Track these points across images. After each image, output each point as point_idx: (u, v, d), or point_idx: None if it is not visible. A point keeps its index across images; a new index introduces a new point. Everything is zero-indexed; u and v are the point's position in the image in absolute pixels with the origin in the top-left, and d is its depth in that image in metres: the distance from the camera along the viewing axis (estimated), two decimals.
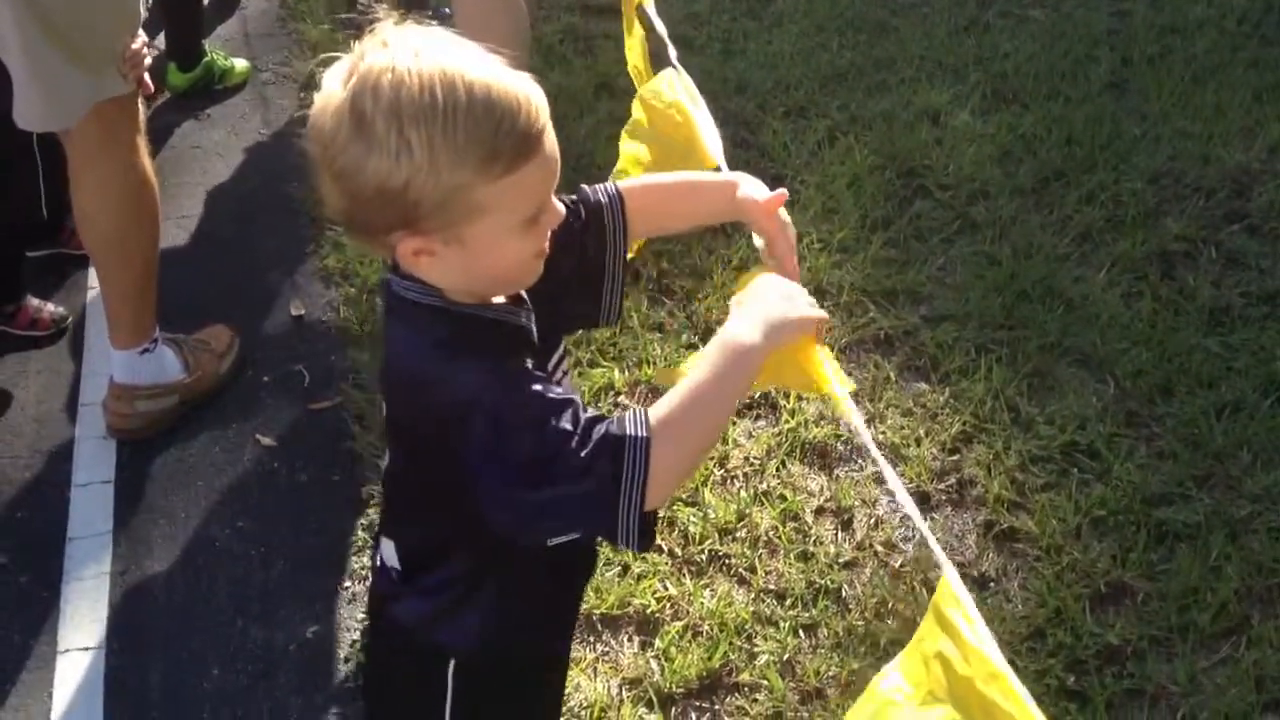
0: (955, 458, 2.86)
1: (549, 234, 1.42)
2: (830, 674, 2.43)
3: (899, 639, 2.48)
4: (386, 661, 1.73)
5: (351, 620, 2.64)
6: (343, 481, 2.95)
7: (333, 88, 1.30)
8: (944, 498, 2.78)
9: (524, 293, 1.48)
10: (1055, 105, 3.96)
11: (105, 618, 2.68)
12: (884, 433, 2.92)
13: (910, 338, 3.19)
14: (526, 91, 1.32)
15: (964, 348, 3.13)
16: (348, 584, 2.71)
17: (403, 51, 1.29)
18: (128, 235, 2.90)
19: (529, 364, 1.43)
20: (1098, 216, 3.51)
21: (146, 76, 2.78)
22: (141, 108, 2.87)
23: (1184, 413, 2.90)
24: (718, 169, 1.91)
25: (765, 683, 2.42)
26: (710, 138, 2.00)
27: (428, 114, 1.26)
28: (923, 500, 2.78)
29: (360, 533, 2.81)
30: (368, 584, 2.70)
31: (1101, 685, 2.36)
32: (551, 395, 1.36)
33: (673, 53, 2.14)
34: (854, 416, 1.47)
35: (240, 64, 4.44)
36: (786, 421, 2.96)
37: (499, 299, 1.45)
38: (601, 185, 1.63)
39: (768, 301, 1.46)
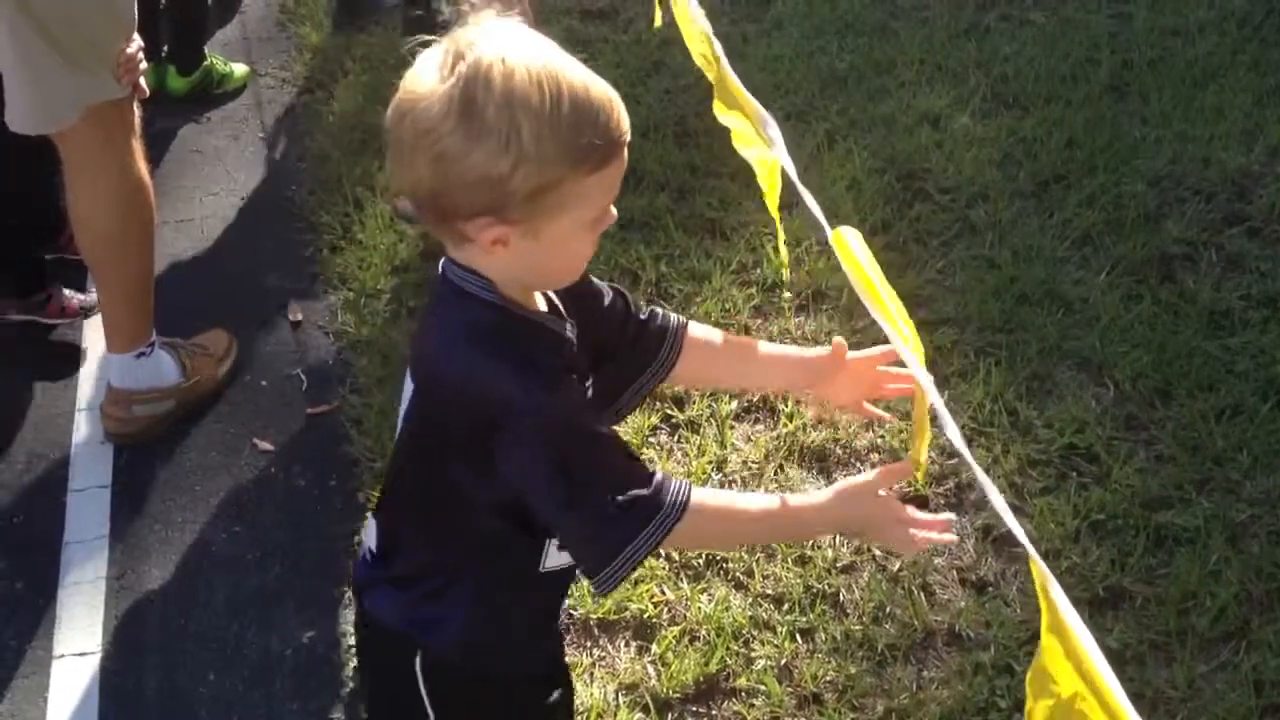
0: (954, 461, 2.85)
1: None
2: (828, 679, 2.43)
3: (896, 643, 2.48)
4: (365, 652, 1.77)
5: (348, 625, 2.63)
6: (340, 486, 2.95)
7: (429, 75, 1.34)
8: (943, 501, 2.77)
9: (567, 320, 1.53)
10: (1055, 108, 3.96)
11: (101, 623, 2.68)
12: (883, 436, 2.92)
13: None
14: (613, 94, 1.39)
15: (963, 351, 3.12)
16: (344, 589, 2.71)
17: (509, 44, 1.34)
18: (123, 239, 2.90)
19: (579, 383, 1.48)
20: (1098, 219, 3.50)
21: (142, 80, 2.78)
22: (138, 111, 2.87)
23: (1183, 416, 2.89)
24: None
25: (763, 688, 2.42)
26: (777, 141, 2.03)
27: (537, 106, 1.31)
28: (921, 504, 2.77)
29: (357, 537, 2.80)
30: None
31: None
32: (603, 429, 1.44)
33: (718, 47, 2.14)
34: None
35: (240, 68, 4.44)
36: (785, 425, 2.96)
37: (541, 306, 1.50)
38: (675, 317, 1.69)
39: (871, 512, 1.56)
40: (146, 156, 2.92)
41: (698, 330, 1.70)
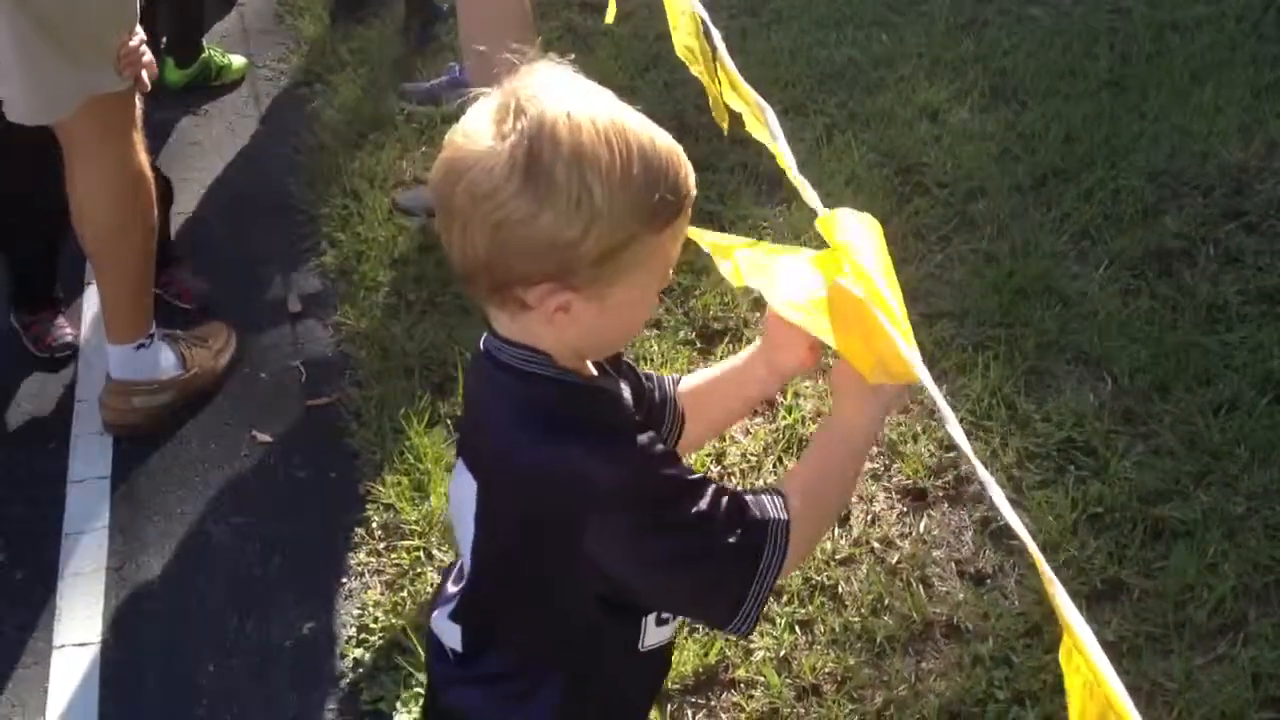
0: (952, 454, 2.85)
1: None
2: (826, 670, 2.43)
3: (895, 635, 2.48)
4: None
5: (348, 616, 2.64)
6: (340, 478, 2.95)
7: (484, 131, 1.25)
8: (940, 494, 2.78)
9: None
10: (1054, 103, 3.96)
11: (101, 613, 2.68)
12: (882, 429, 2.92)
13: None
14: (676, 146, 1.31)
15: (961, 345, 3.13)
16: (344, 580, 2.72)
17: (570, 96, 1.25)
18: (123, 231, 2.90)
19: (653, 433, 1.37)
20: (1096, 214, 3.51)
21: (145, 75, 2.78)
22: (139, 104, 2.87)
23: (1181, 410, 2.89)
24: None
25: (761, 679, 2.42)
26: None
27: (607, 164, 1.23)
28: (919, 496, 2.78)
29: (357, 529, 2.81)
30: (365, 580, 2.70)
31: None
32: (690, 477, 1.35)
33: (717, 36, 2.14)
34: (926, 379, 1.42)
35: (238, 60, 4.44)
36: (784, 418, 2.96)
37: (592, 370, 1.41)
38: (668, 380, 1.60)
39: (860, 394, 1.44)
40: (147, 149, 2.92)
41: (682, 386, 1.61)
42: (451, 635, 1.50)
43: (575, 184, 1.22)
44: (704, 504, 1.33)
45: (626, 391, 1.45)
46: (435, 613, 1.54)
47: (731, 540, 1.33)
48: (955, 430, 1.39)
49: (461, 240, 1.27)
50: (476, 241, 1.26)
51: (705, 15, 2.19)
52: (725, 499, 1.35)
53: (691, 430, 1.62)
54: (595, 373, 1.41)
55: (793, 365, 1.55)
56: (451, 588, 1.53)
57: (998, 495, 1.31)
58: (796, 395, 3.01)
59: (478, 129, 1.26)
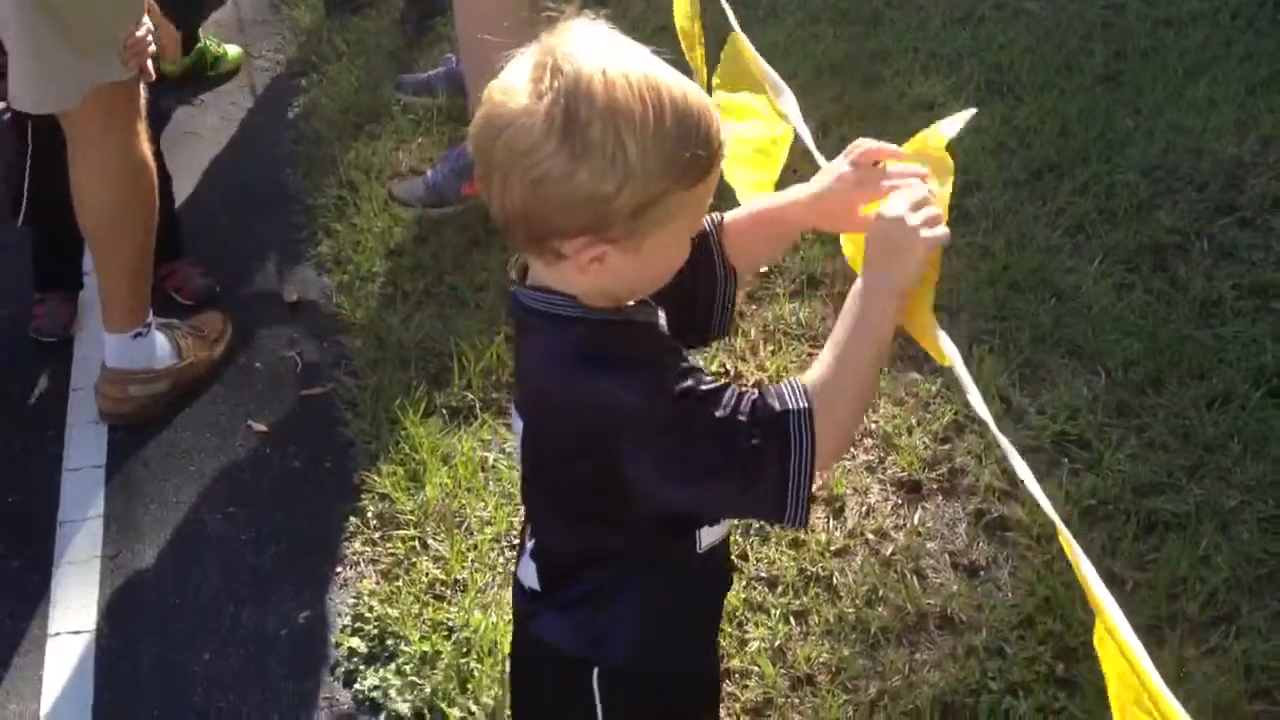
0: (947, 447, 2.87)
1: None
2: (821, 661, 2.44)
3: (889, 626, 2.49)
4: (532, 679, 1.71)
5: (342, 606, 2.64)
6: (335, 468, 2.96)
7: (521, 88, 1.29)
8: (935, 486, 2.79)
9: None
10: (1049, 98, 3.97)
11: (96, 602, 2.69)
12: (876, 421, 2.93)
13: (903, 328, 3.18)
14: (707, 99, 1.34)
15: (956, 339, 3.08)
16: (339, 569, 2.72)
17: (606, 53, 1.29)
18: (125, 219, 2.91)
19: (679, 355, 1.42)
20: (1090, 208, 3.52)
21: (150, 64, 2.79)
22: (143, 93, 2.87)
23: (1175, 404, 2.90)
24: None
25: (756, 669, 2.43)
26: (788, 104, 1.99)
27: (641, 119, 1.26)
28: (913, 488, 2.79)
29: (352, 519, 2.81)
30: (360, 570, 2.70)
31: (1091, 673, 2.36)
32: (705, 386, 1.37)
33: (732, 19, 2.13)
34: (965, 378, 1.47)
35: (233, 50, 4.44)
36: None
37: (630, 301, 1.44)
38: (708, 221, 1.59)
39: (887, 250, 1.43)
40: (151, 138, 2.93)
41: (728, 221, 1.62)
42: (529, 574, 1.59)
43: (610, 141, 1.26)
44: (726, 410, 1.35)
45: (662, 317, 1.47)
46: (519, 560, 1.64)
47: (756, 441, 1.35)
48: (977, 400, 1.40)
49: (501, 193, 1.32)
50: (514, 196, 1.30)
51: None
52: (745, 400, 1.37)
53: (739, 265, 1.63)
54: (630, 303, 1.44)
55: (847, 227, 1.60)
56: (523, 545, 1.63)
57: (1016, 460, 1.33)
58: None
59: (515, 85, 1.30)
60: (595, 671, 1.57)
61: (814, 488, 1.39)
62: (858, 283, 1.45)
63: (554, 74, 1.27)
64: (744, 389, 1.39)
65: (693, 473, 1.37)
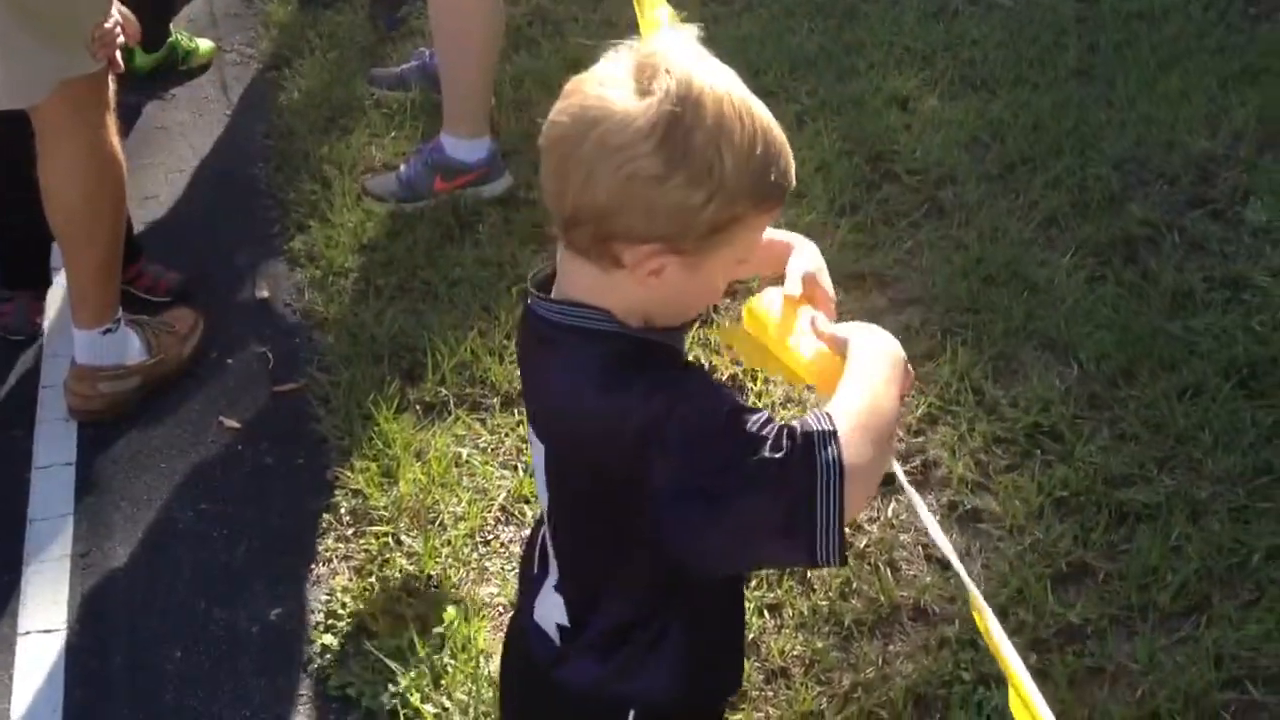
0: (920, 439, 2.87)
1: None
2: (795, 653, 2.44)
3: (862, 619, 2.50)
4: None
5: (315, 602, 2.63)
6: (307, 464, 2.94)
7: (623, 85, 1.26)
8: (909, 479, 2.78)
9: None
10: (1022, 91, 3.98)
11: (67, 600, 2.67)
12: None
13: (877, 321, 3.09)
14: (784, 135, 1.34)
15: (930, 331, 3.14)
16: (312, 566, 2.70)
17: (708, 68, 1.28)
18: (94, 214, 2.89)
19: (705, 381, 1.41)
20: (1063, 202, 3.53)
21: (118, 55, 2.77)
22: (112, 86, 2.85)
23: (1146, 395, 2.92)
24: None
25: None
26: None
27: (738, 139, 1.26)
28: (887, 481, 2.77)
29: (325, 515, 2.80)
30: (333, 566, 2.69)
31: (1063, 663, 2.37)
32: (734, 403, 1.31)
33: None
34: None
35: (205, 44, 4.41)
36: (754, 404, 2.97)
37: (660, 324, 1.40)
38: None
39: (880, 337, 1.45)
40: (120, 131, 2.91)
41: None
42: (553, 611, 1.51)
43: (711, 152, 1.25)
44: (751, 430, 1.27)
45: (684, 344, 1.47)
46: (526, 610, 1.58)
47: (780, 459, 1.25)
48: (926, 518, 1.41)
49: (581, 187, 1.27)
50: (599, 191, 1.27)
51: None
52: (772, 426, 1.28)
53: None
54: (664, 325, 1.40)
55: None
56: (538, 580, 1.55)
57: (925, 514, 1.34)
58: (767, 382, 3.02)
59: (616, 80, 1.27)
60: (631, 714, 1.51)
61: (846, 527, 1.28)
62: (857, 341, 1.44)
63: (656, 76, 1.25)
64: (770, 417, 1.31)
65: (716, 490, 1.28)
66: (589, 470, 1.37)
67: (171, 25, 4.32)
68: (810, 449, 1.26)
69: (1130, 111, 3.87)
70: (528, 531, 2.52)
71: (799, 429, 1.28)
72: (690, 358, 2.96)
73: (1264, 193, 3.51)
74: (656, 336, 1.38)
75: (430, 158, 3.57)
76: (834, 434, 1.27)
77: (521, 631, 1.60)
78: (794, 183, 1.35)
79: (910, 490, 1.46)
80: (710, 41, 3.58)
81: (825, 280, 1.57)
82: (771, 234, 1.55)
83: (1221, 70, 4.03)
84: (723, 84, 1.27)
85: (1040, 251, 3.37)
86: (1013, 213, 3.50)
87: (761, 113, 1.30)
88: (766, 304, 1.56)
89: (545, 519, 1.53)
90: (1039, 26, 4.31)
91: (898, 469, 1.46)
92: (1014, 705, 1.29)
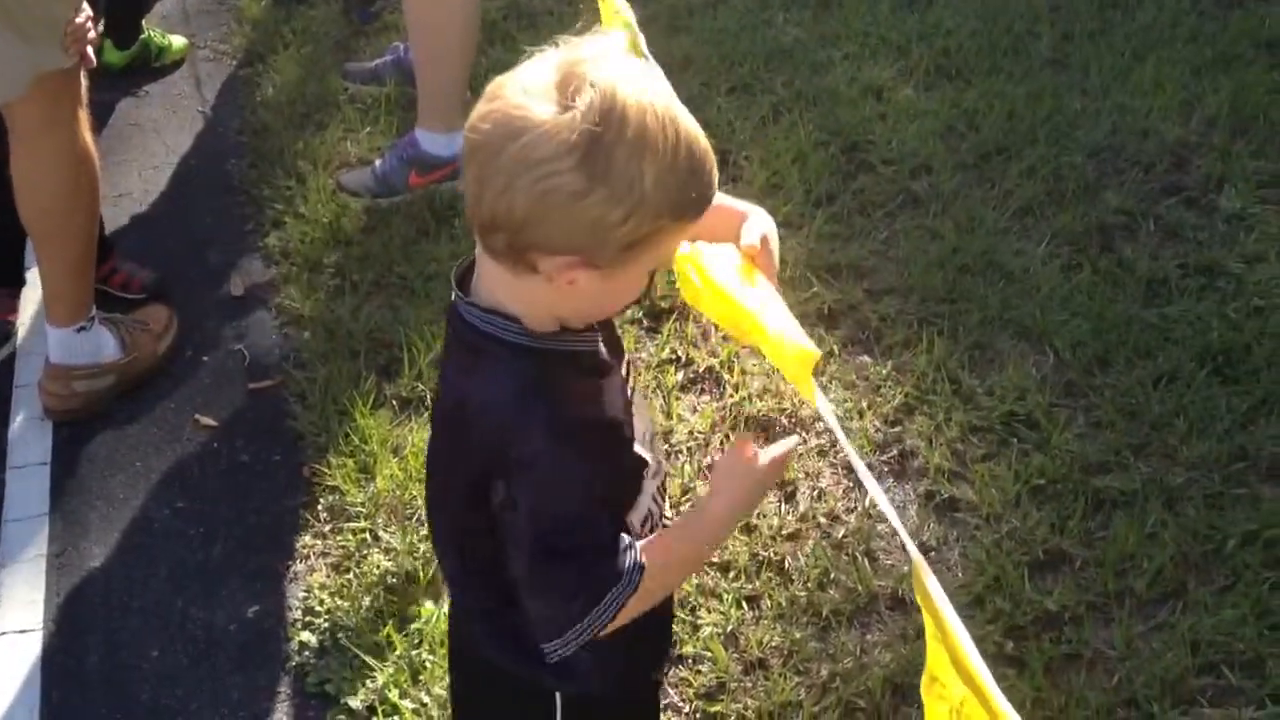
0: (897, 429, 2.88)
1: None
2: (773, 644, 2.45)
3: (840, 609, 2.50)
4: (484, 706, 1.69)
5: (293, 599, 2.62)
6: (284, 461, 2.93)
7: (543, 96, 1.24)
8: (886, 469, 2.80)
9: None
10: (997, 81, 3.98)
11: (43, 600, 2.65)
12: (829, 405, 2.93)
13: (854, 312, 3.20)
14: (708, 145, 1.32)
15: (906, 321, 3.14)
16: (289, 563, 2.70)
17: (632, 79, 1.25)
18: (69, 209, 2.87)
19: (607, 405, 1.44)
20: (1038, 190, 3.54)
21: (90, 50, 2.75)
22: (84, 81, 2.83)
23: (1122, 383, 2.93)
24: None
25: (709, 654, 2.43)
26: None
27: (661, 154, 1.24)
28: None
29: (302, 512, 2.79)
30: (310, 563, 2.68)
31: (1040, 651, 2.38)
32: (595, 511, 1.40)
33: (643, 42, 2.12)
34: (830, 418, 1.49)
35: (178, 41, 4.38)
36: (730, 396, 2.97)
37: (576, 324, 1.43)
38: None
39: (748, 493, 1.53)
40: (92, 127, 2.89)
41: None
42: (460, 588, 1.59)
43: (632, 169, 1.23)
44: (589, 536, 1.39)
45: (601, 344, 1.46)
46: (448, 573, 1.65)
47: (595, 568, 1.39)
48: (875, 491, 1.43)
49: (497, 197, 1.26)
50: (516, 203, 1.25)
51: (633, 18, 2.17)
52: (613, 546, 1.40)
53: None
54: (578, 326, 1.42)
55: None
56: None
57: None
58: (743, 373, 3.02)
59: (538, 91, 1.24)
60: (558, 696, 1.56)
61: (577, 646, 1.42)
62: (713, 508, 1.51)
63: (579, 87, 1.23)
64: (614, 532, 1.42)
65: (530, 556, 1.39)
66: (474, 466, 1.41)
67: (144, 22, 4.29)
68: (613, 579, 1.38)
69: (1104, 100, 3.88)
70: None
71: (621, 561, 1.39)
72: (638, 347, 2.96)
73: (1238, 180, 3.53)
74: (572, 344, 1.41)
75: (405, 152, 3.56)
76: (633, 591, 1.39)
77: (453, 614, 1.68)
78: (715, 193, 1.34)
79: (853, 455, 1.47)
80: (686, 33, 3.57)
81: (774, 247, 1.57)
82: (725, 201, 1.56)
83: (1195, 58, 4.04)
84: (647, 96, 1.24)
85: (1016, 240, 3.38)
86: (988, 202, 3.51)
87: (687, 125, 1.28)
88: (710, 263, 1.53)
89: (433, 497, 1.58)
90: (1013, 16, 4.31)
91: (843, 438, 1.46)
92: (936, 665, 1.28)
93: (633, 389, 1.55)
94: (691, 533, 1.53)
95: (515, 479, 1.36)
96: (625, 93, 1.23)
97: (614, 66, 1.25)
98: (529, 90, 1.25)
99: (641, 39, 2.08)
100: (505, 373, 1.38)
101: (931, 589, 1.27)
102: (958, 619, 1.23)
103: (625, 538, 1.42)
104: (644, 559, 1.41)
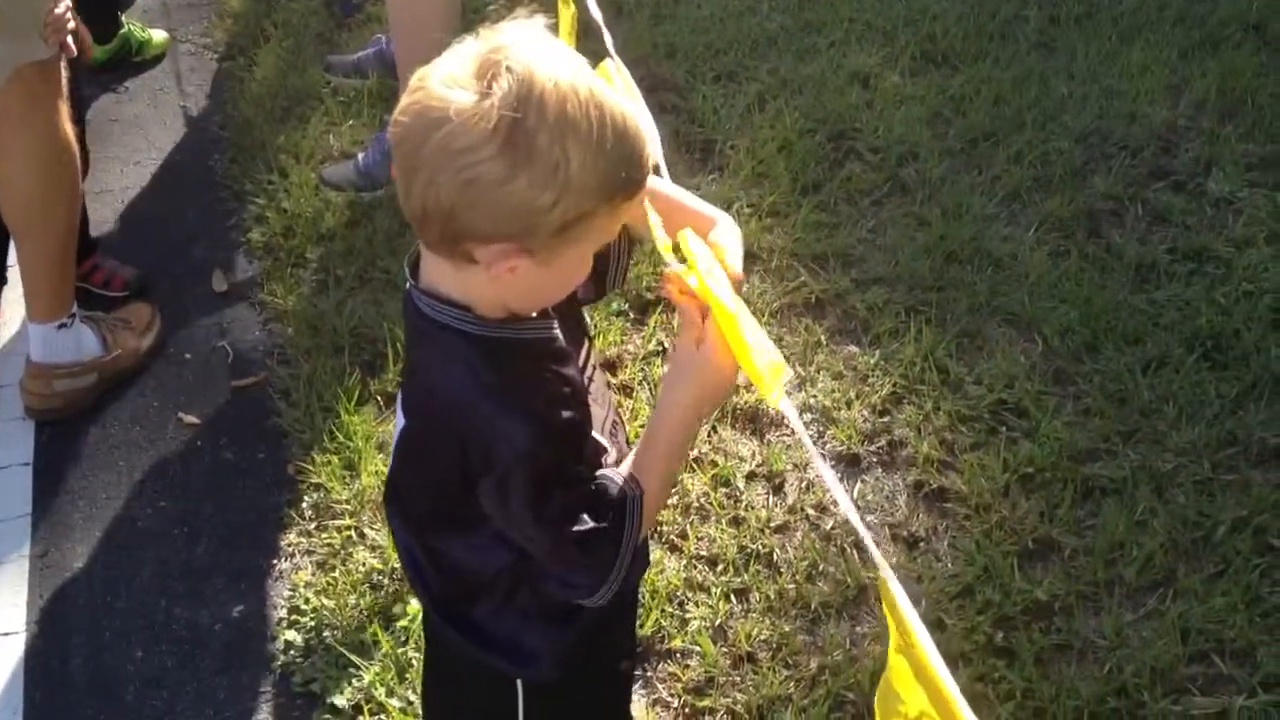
0: (885, 419, 2.86)
1: None
2: (762, 638, 2.43)
3: (829, 601, 2.48)
4: (451, 689, 1.71)
5: (278, 598, 2.60)
6: (268, 458, 2.91)
7: (463, 84, 1.23)
8: (874, 459, 2.78)
9: None
10: (983, 66, 3.96)
11: (26, 601, 2.63)
12: (815, 396, 2.91)
13: (841, 301, 3.18)
14: (642, 122, 1.31)
15: (894, 310, 3.12)
16: (274, 561, 2.68)
17: (553, 62, 1.24)
18: (49, 202, 2.84)
19: (566, 387, 1.43)
20: (1026, 176, 3.52)
21: (70, 40, 2.72)
22: (65, 72, 2.80)
23: (1110, 369, 2.91)
24: (657, 168, 1.88)
25: (697, 648, 2.42)
26: (650, 137, 1.95)
27: (586, 134, 1.24)
28: (853, 462, 2.78)
29: (287, 510, 2.77)
30: (296, 561, 2.66)
31: (1030, 641, 2.37)
32: (577, 470, 1.43)
33: (609, 40, 2.08)
34: (795, 421, 1.46)
35: (159, 35, 4.34)
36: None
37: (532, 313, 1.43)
38: None
39: (708, 377, 1.45)
40: (73, 118, 2.86)
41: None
42: (422, 578, 1.56)
43: (557, 152, 1.23)
44: (579, 498, 1.41)
45: (557, 328, 1.45)
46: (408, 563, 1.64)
47: (600, 525, 1.40)
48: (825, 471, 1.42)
49: (424, 190, 1.26)
50: (442, 194, 1.25)
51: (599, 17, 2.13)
52: (598, 494, 1.43)
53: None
54: (533, 315, 1.43)
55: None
56: None
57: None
58: None
59: (457, 80, 1.24)
60: (519, 683, 1.57)
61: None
62: (671, 399, 1.47)
63: (497, 74, 1.22)
64: (598, 479, 1.45)
65: (530, 537, 1.42)
66: (439, 458, 1.41)
67: (124, 17, 4.25)
68: (621, 520, 1.42)
69: (1092, 84, 3.86)
70: None
71: (614, 496, 1.42)
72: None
73: (1226, 163, 3.51)
74: (526, 332, 1.41)
75: (388, 145, 3.51)
76: (641, 497, 1.43)
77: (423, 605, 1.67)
78: (650, 169, 1.33)
79: (805, 438, 1.46)
80: (671, 21, 3.54)
81: (739, 256, 1.53)
82: (692, 204, 1.56)
83: (1182, 40, 4.02)
84: (567, 79, 1.23)
85: (1003, 227, 3.36)
86: (975, 189, 3.49)
87: (614, 105, 1.27)
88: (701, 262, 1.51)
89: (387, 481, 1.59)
90: (999, 0, 4.28)
91: (792, 413, 1.45)
92: (897, 678, 1.27)
93: (591, 377, 1.54)
94: (657, 434, 1.47)
95: (493, 472, 1.36)
96: (543, 76, 1.22)
97: (531, 51, 1.24)
98: (448, 80, 1.24)
99: (609, 39, 2.03)
100: (459, 362, 1.37)
101: (899, 600, 1.26)
102: (925, 632, 1.21)
103: (604, 475, 1.44)
104: (635, 483, 1.44)
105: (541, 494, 1.37)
